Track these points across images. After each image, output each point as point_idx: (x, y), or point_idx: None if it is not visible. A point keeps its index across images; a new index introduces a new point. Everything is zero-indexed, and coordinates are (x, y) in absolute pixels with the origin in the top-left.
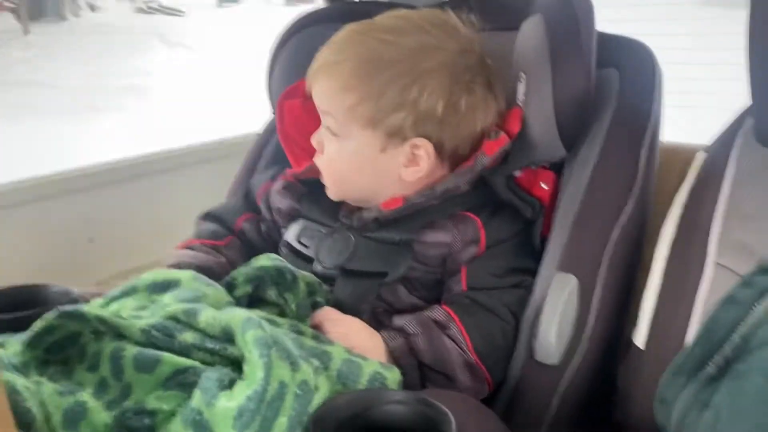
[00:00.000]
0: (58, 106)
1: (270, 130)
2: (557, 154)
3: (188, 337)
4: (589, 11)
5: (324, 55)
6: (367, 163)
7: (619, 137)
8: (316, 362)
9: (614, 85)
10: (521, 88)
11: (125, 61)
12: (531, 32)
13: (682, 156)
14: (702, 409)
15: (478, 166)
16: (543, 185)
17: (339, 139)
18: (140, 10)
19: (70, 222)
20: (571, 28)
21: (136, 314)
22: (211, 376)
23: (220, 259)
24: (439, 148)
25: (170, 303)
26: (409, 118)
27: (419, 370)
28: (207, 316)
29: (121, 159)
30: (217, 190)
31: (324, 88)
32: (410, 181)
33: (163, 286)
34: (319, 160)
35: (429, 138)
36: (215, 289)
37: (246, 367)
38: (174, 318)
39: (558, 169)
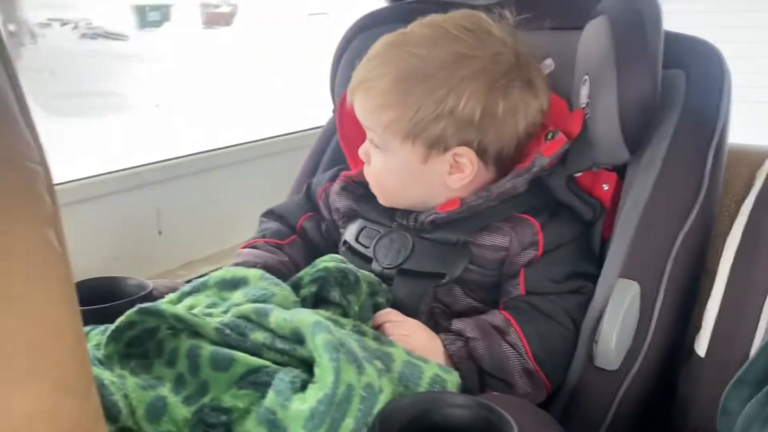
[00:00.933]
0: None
1: (332, 129)
2: (621, 157)
3: (259, 336)
4: (656, 13)
5: (360, 72)
6: (411, 175)
7: (685, 141)
8: (379, 364)
9: (681, 87)
10: (584, 90)
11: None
12: (596, 34)
13: (749, 159)
14: (766, 422)
15: (535, 167)
16: (605, 186)
17: (382, 152)
18: (84, 36)
19: (141, 215)
20: (638, 31)
21: (207, 311)
22: (284, 378)
23: (284, 258)
24: (481, 154)
25: (240, 301)
26: (448, 129)
27: (478, 375)
28: (277, 317)
29: (188, 154)
30: (279, 185)
31: (362, 105)
32: (456, 188)
33: (233, 284)
34: (368, 172)
35: (470, 145)
36: (282, 289)
37: (317, 370)
38: (245, 317)
39: (620, 170)
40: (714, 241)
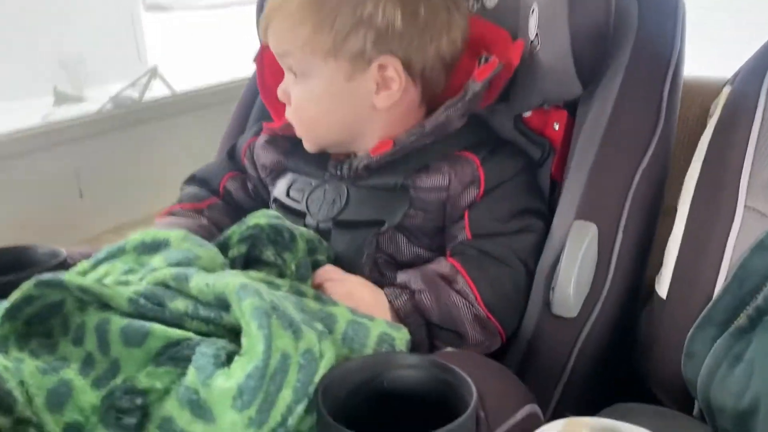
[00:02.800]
0: None
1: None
2: (573, 92)
3: (180, 304)
4: None
5: (271, 1)
6: (337, 98)
7: (639, 73)
8: (320, 326)
9: (633, 17)
10: (533, 21)
11: None
12: None
13: (702, 91)
14: (734, 362)
15: (468, 94)
16: (555, 126)
17: (303, 79)
18: None
19: (59, 176)
20: None
21: (124, 279)
22: (206, 351)
23: (202, 221)
24: (407, 66)
25: (160, 266)
26: (369, 36)
27: (426, 327)
28: (198, 282)
29: (112, 107)
30: (213, 139)
31: (278, 28)
32: (384, 107)
33: (153, 247)
34: (289, 112)
35: (394, 54)
36: (208, 250)
37: (244, 340)
38: (163, 284)
39: (571, 109)
40: (670, 177)
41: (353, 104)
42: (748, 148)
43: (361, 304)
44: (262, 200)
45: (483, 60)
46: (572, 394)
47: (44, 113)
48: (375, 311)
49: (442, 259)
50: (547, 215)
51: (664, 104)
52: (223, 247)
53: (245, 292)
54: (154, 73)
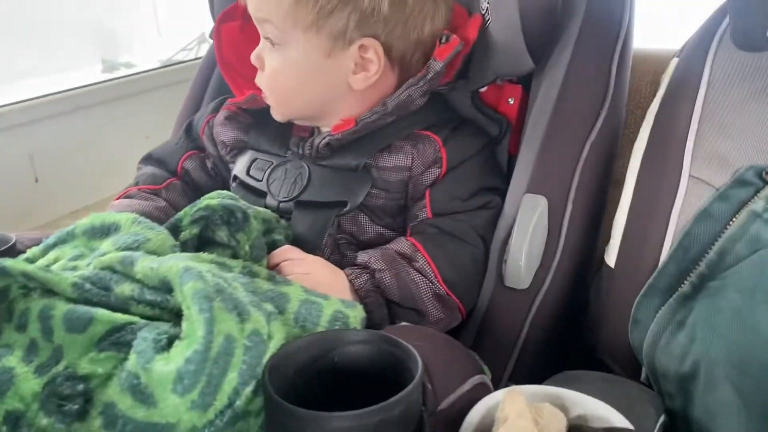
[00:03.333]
0: None
1: (213, 60)
2: (524, 66)
3: (126, 288)
4: None
5: None
6: (313, 72)
7: (588, 46)
8: (270, 307)
9: None
10: None
11: None
12: None
13: (653, 63)
14: (676, 329)
15: (429, 73)
16: (510, 100)
17: (281, 48)
18: None
19: (13, 161)
20: None
21: (72, 264)
22: (146, 335)
23: (160, 203)
24: (387, 51)
25: (108, 250)
26: (353, 16)
27: (387, 306)
28: (143, 266)
29: (65, 89)
30: (168, 120)
31: None
32: (360, 89)
33: (103, 231)
34: (261, 78)
35: (377, 38)
36: (158, 233)
37: (185, 324)
38: (110, 268)
39: (526, 83)
40: (622, 150)
41: (329, 81)
42: (693, 119)
43: (319, 284)
44: (222, 179)
45: (444, 39)
46: (526, 366)
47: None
48: (334, 291)
49: (402, 239)
50: (506, 191)
51: (613, 78)
52: (175, 230)
53: (188, 276)
54: (202, 38)
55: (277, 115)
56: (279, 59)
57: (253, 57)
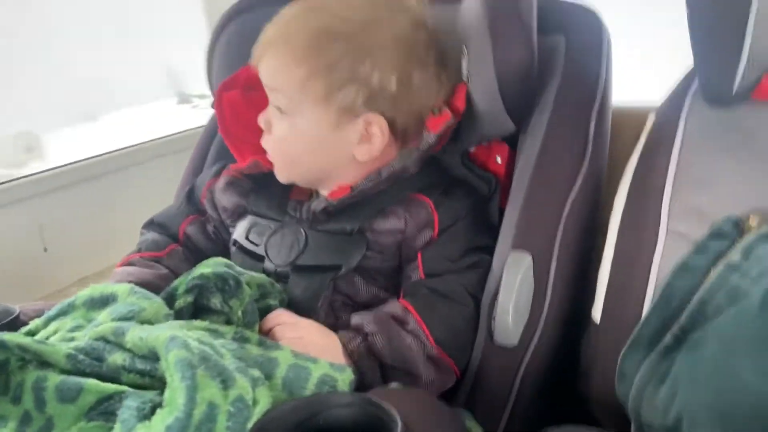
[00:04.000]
0: None
1: (214, 127)
2: (506, 128)
3: (117, 358)
4: None
5: (272, 30)
6: (320, 142)
7: (566, 106)
8: (256, 373)
9: (561, 53)
10: (465, 63)
11: None
12: (472, 4)
13: (635, 118)
14: (660, 382)
15: (424, 145)
16: (498, 159)
17: (289, 117)
18: None
19: (23, 232)
20: None
21: (71, 336)
22: (131, 404)
23: (162, 271)
24: (391, 125)
25: (105, 320)
26: (362, 93)
27: (380, 369)
28: (133, 335)
29: (72, 161)
30: (172, 188)
31: (273, 63)
32: (363, 160)
33: (101, 302)
34: (268, 141)
35: (382, 114)
36: (153, 302)
37: (167, 392)
38: (103, 338)
39: (513, 141)
40: (607, 204)
41: (334, 151)
42: (669, 174)
43: (312, 347)
44: (223, 242)
45: (436, 111)
46: (519, 421)
47: (171, 112)
48: (326, 354)
49: (395, 301)
50: (495, 248)
51: (591, 136)
52: (171, 298)
53: (172, 344)
54: None
55: (282, 177)
56: (287, 126)
57: (260, 120)
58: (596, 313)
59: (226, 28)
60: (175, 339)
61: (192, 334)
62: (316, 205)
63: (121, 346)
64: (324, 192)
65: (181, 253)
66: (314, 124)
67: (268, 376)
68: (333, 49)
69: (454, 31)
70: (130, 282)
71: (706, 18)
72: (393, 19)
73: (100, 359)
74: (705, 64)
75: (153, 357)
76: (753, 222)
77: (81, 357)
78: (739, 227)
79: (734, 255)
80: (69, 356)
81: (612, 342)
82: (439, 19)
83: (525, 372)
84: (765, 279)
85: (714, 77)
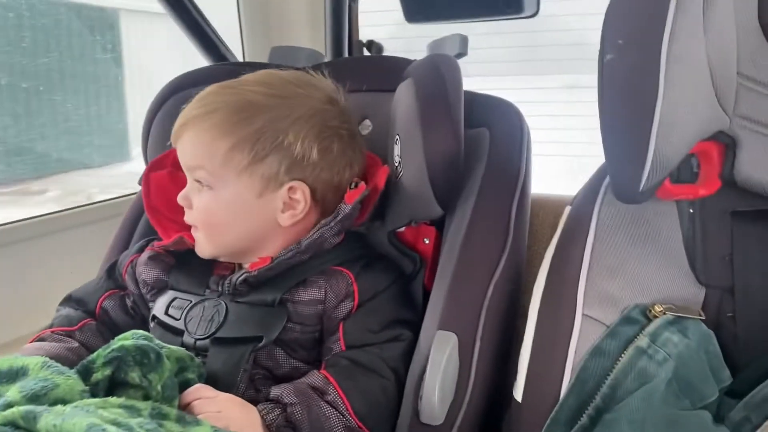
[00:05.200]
0: None
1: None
2: (434, 212)
3: None
4: (456, 76)
5: (191, 109)
6: (244, 211)
7: (490, 194)
8: None
9: (485, 144)
10: (396, 150)
11: None
12: (404, 96)
13: (553, 207)
14: None
15: (340, 215)
16: (425, 240)
17: (212, 190)
18: None
19: None
20: (440, 93)
21: None
22: None
23: (72, 344)
24: (312, 192)
25: (13, 397)
26: (284, 163)
27: None
28: (47, 422)
29: None
30: (97, 256)
31: (195, 139)
32: (287, 225)
33: (10, 376)
34: (190, 215)
35: (304, 181)
36: (67, 377)
37: None
38: (12, 423)
39: (441, 224)
40: (528, 290)
41: (259, 218)
42: (583, 262)
43: (232, 421)
44: (141, 318)
45: (353, 185)
46: None
47: None
48: (246, 428)
49: (315, 372)
50: (418, 324)
51: (512, 222)
52: (88, 371)
53: None
54: None
55: (207, 251)
56: (210, 199)
57: (180, 197)
58: (518, 392)
59: (163, 104)
60: (92, 429)
61: (108, 414)
62: (237, 276)
63: None
64: (246, 265)
65: (94, 328)
66: (238, 194)
67: None
68: (256, 121)
69: (387, 118)
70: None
71: (616, 127)
72: (309, 95)
73: None
74: (615, 168)
75: None
76: (658, 310)
77: None
78: (645, 314)
79: (642, 340)
80: None
81: (533, 421)
82: (372, 106)
83: None
84: (669, 363)
85: (622, 179)
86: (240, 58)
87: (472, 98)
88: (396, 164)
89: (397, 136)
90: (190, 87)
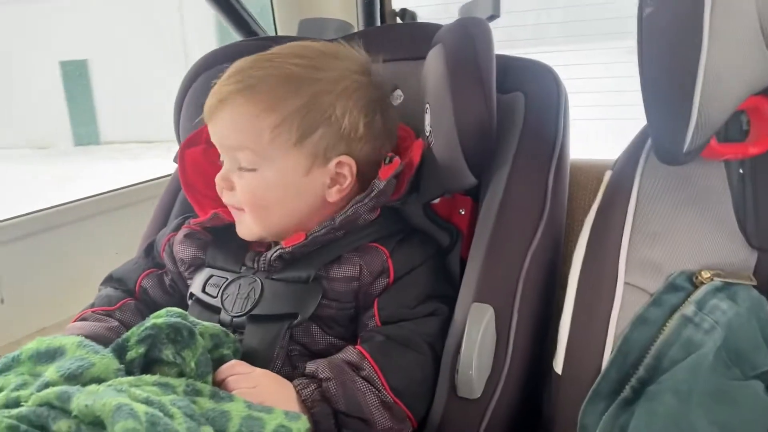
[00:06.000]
0: None
1: (179, 180)
2: (467, 182)
3: (63, 426)
4: (487, 38)
5: (227, 85)
6: (293, 190)
7: (525, 161)
8: (208, 430)
9: (520, 109)
10: (427, 119)
11: None
12: (433, 63)
13: (595, 172)
14: None
15: (374, 191)
16: (461, 211)
17: (256, 171)
18: None
19: None
20: (469, 57)
21: (16, 395)
22: None
23: (112, 323)
24: (358, 166)
25: (53, 378)
26: (332, 138)
27: (334, 416)
28: (79, 402)
29: (30, 211)
30: (134, 238)
31: (236, 117)
32: (334, 201)
33: (48, 356)
34: (233, 198)
35: (351, 155)
36: (103, 357)
37: None
38: (48, 404)
39: (477, 194)
40: (568, 259)
41: (307, 196)
42: (625, 229)
43: (266, 396)
44: (180, 295)
45: (387, 160)
46: None
47: None
48: (281, 403)
49: (350, 347)
50: (455, 298)
51: (550, 190)
52: (122, 349)
53: (119, 414)
54: None
55: (253, 233)
56: (256, 180)
57: (219, 179)
58: (558, 364)
59: (191, 86)
60: (121, 409)
61: (140, 392)
62: (272, 253)
63: (66, 412)
64: (281, 242)
65: (133, 307)
66: (285, 172)
67: (222, 431)
68: (301, 95)
69: (418, 88)
70: (78, 335)
71: (657, 85)
72: (347, 68)
73: (44, 428)
74: (657, 129)
75: (100, 424)
76: (705, 276)
77: (23, 428)
78: (692, 281)
79: (688, 308)
80: (11, 428)
81: (574, 393)
82: (402, 76)
83: (488, 425)
84: (717, 331)
85: (665, 140)
86: (272, 33)
87: (507, 62)
88: (427, 134)
89: (428, 105)
90: (222, 63)
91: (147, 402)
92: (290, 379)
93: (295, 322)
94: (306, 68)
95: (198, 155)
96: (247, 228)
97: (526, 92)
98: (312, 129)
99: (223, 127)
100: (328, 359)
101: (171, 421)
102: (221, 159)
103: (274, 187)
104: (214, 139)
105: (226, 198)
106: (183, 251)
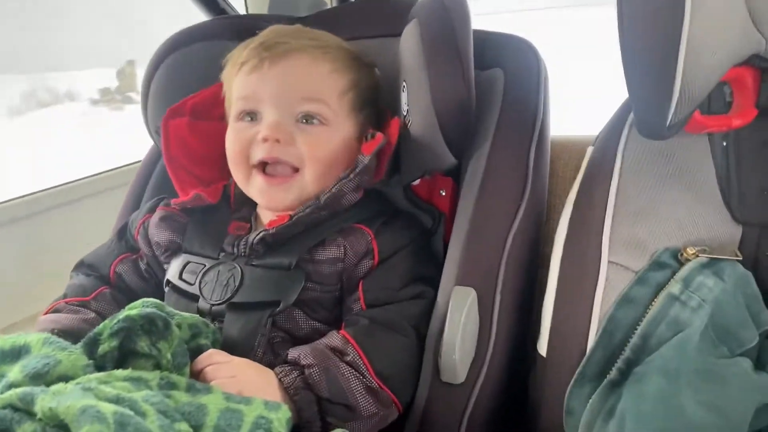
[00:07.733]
0: None
1: (152, 161)
2: (447, 161)
3: (27, 429)
4: (464, 13)
5: (296, 39)
6: (348, 154)
7: (506, 139)
8: (184, 427)
9: (499, 86)
10: (404, 97)
11: None
12: (409, 39)
13: (576, 149)
14: (607, 417)
15: (358, 166)
16: (442, 192)
17: (326, 126)
18: None
19: None
20: (446, 31)
21: None
22: None
23: (88, 315)
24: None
25: (16, 377)
26: (374, 110)
27: (317, 404)
28: (43, 405)
29: None
30: (110, 225)
31: (312, 69)
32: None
33: (12, 354)
34: (288, 153)
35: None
36: (70, 353)
37: None
38: (10, 406)
39: (456, 174)
40: (549, 238)
41: (350, 161)
42: (608, 206)
43: (246, 385)
44: (156, 281)
45: (369, 136)
46: None
47: None
48: (262, 392)
49: (334, 332)
50: (439, 281)
51: (531, 167)
52: (94, 343)
53: (84, 418)
54: None
55: (303, 192)
56: (326, 134)
57: (272, 129)
58: (542, 346)
59: (163, 62)
60: (86, 412)
61: (110, 390)
62: (255, 235)
63: (31, 415)
64: (264, 221)
65: (108, 296)
66: (346, 134)
67: (197, 427)
68: (358, 66)
69: (394, 65)
70: (54, 330)
71: (639, 58)
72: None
73: (7, 430)
74: (639, 102)
75: (66, 428)
76: (690, 252)
77: None
78: (677, 258)
79: (674, 286)
80: None
81: (559, 375)
82: (378, 53)
83: (473, 409)
84: (704, 309)
85: (648, 114)
86: (242, 11)
87: (485, 37)
88: (405, 113)
89: (404, 83)
90: (193, 42)
91: (117, 400)
92: (273, 367)
93: (278, 309)
94: (358, 53)
95: (183, 128)
96: (300, 189)
97: (506, 68)
98: (365, 100)
99: (298, 75)
100: (311, 345)
101: (143, 420)
102: (257, 111)
103: (341, 146)
104: (272, 83)
105: (278, 151)
106: (158, 234)
